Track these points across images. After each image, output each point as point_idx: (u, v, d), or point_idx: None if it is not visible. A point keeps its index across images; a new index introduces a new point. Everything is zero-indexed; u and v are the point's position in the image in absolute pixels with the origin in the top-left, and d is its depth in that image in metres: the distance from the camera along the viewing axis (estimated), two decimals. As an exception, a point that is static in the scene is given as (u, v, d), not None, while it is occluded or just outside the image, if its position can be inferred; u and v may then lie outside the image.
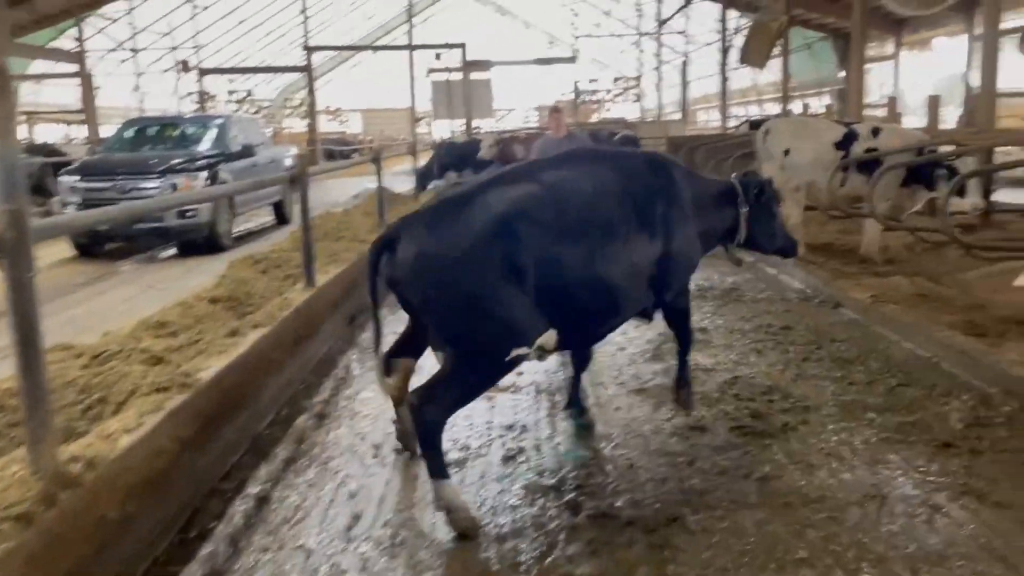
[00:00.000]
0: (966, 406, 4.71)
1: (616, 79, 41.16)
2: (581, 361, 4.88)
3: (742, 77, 40.76)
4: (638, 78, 36.56)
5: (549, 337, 3.65)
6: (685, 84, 30.67)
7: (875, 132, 8.57)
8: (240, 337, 5.02)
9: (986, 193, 9.24)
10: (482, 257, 3.43)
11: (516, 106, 59.06)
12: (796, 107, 36.37)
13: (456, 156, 17.21)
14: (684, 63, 31.17)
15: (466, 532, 3.49)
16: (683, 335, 4.65)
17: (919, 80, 28.93)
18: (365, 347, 6.57)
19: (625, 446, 4.39)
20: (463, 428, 4.72)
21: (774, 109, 37.86)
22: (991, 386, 4.91)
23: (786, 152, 8.71)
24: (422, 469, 3.98)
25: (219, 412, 4.22)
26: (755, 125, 19.49)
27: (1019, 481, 3.77)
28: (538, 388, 5.43)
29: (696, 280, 8.44)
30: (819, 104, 33.82)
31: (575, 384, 4.93)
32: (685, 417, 4.73)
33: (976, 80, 23.99)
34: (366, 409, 5.12)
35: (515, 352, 3.54)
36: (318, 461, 4.34)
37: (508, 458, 4.30)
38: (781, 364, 5.66)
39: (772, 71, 37.13)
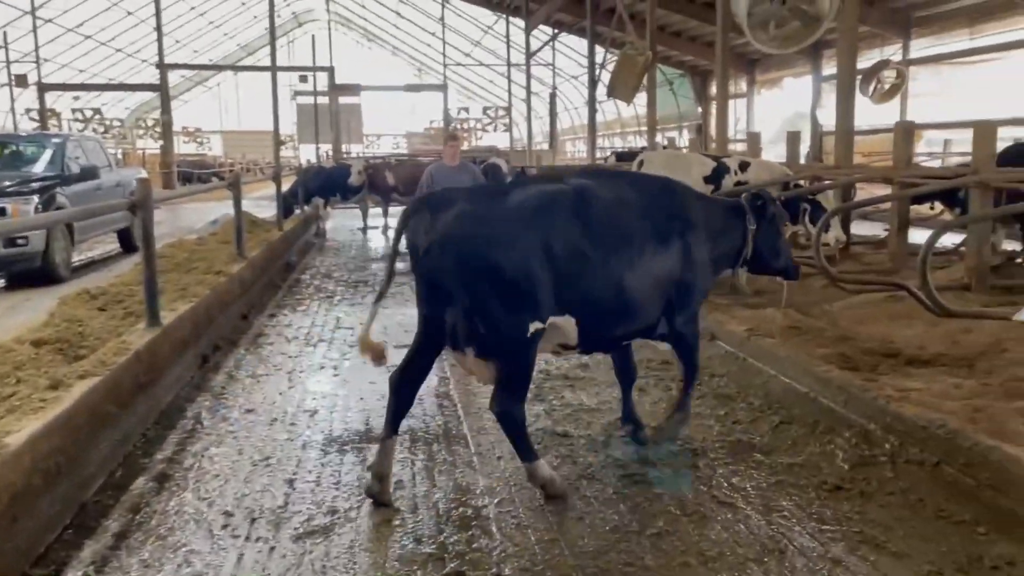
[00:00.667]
0: (849, 444, 4.65)
1: (486, 109, 41.36)
2: (626, 376, 4.83)
3: (608, 110, 41.96)
4: (508, 108, 36.80)
5: (568, 323, 3.95)
6: (554, 115, 31.08)
7: (743, 166, 8.71)
8: (64, 390, 4.31)
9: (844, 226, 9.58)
10: (520, 226, 3.75)
11: (385, 132, 58.63)
12: (659, 140, 37.70)
13: (323, 182, 16.54)
14: (552, 95, 31.61)
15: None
16: (689, 366, 4.62)
17: (769, 117, 30.58)
18: (218, 392, 5.93)
19: (511, 502, 4.03)
20: (329, 487, 4.23)
21: (638, 142, 39.15)
22: (870, 422, 4.88)
23: (659, 184, 8.70)
24: (282, 542, 3.48)
25: (32, 484, 3.55)
26: (621, 157, 19.87)
27: (911, 527, 3.67)
28: (413, 435, 5.00)
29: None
30: (679, 138, 35.14)
31: (627, 400, 4.86)
32: (572, 465, 4.43)
33: (822, 118, 25.58)
34: (216, 467, 4.52)
35: (532, 327, 3.75)
36: (156, 535, 3.73)
37: (381, 522, 3.84)
38: (665, 401, 5.47)
39: (634, 105, 38.48)
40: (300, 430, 5.12)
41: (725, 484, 4.17)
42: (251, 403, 5.69)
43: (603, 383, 5.96)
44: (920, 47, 21.30)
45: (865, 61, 23.39)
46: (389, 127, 60.33)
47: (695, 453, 4.58)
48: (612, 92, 16.39)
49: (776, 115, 31.21)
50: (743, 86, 31.20)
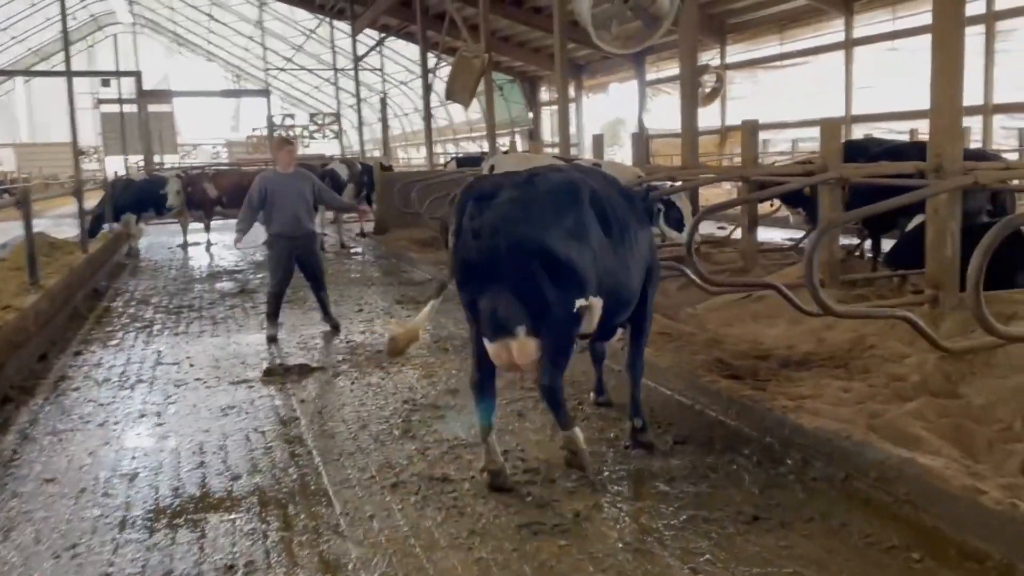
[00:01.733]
0: (752, 463, 4.33)
1: (313, 115, 39.73)
2: (597, 354, 5.38)
3: (439, 116, 41.49)
4: (337, 115, 35.45)
5: (598, 304, 4.15)
6: (385, 122, 30.16)
7: (596, 167, 8.39)
8: None
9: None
10: (572, 205, 4.04)
11: (203, 141, 55.21)
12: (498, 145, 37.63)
13: (135, 196, 14.88)
14: (383, 100, 30.69)
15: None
16: (639, 364, 4.75)
17: (592, 121, 31.32)
18: (8, 458, 4.81)
19: (390, 564, 3.35)
20: (159, 580, 3.36)
21: (472, 147, 38.94)
22: (766, 435, 4.60)
23: (513, 189, 8.23)
24: None
25: None
26: (462, 162, 19.39)
27: (844, 560, 3.32)
28: (262, 496, 4.18)
29: (436, 332, 7.63)
30: (510, 143, 35.24)
31: (599, 374, 5.44)
32: (459, 518, 3.79)
33: (648, 122, 26.35)
34: (4, 563, 3.52)
35: (579, 303, 4.00)
36: None
37: (230, 626, 3.04)
38: (548, 428, 4.95)
39: (463, 111, 38.27)
40: (117, 502, 4.16)
41: (634, 525, 3.68)
42: (52, 470, 4.63)
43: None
44: (735, 52, 22.35)
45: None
46: (207, 136, 57.00)
47: (594, 488, 4.08)
48: (450, 96, 15.87)
49: (600, 119, 32.03)
50: (571, 91, 31.65)
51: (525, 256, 3.87)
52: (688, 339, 6.62)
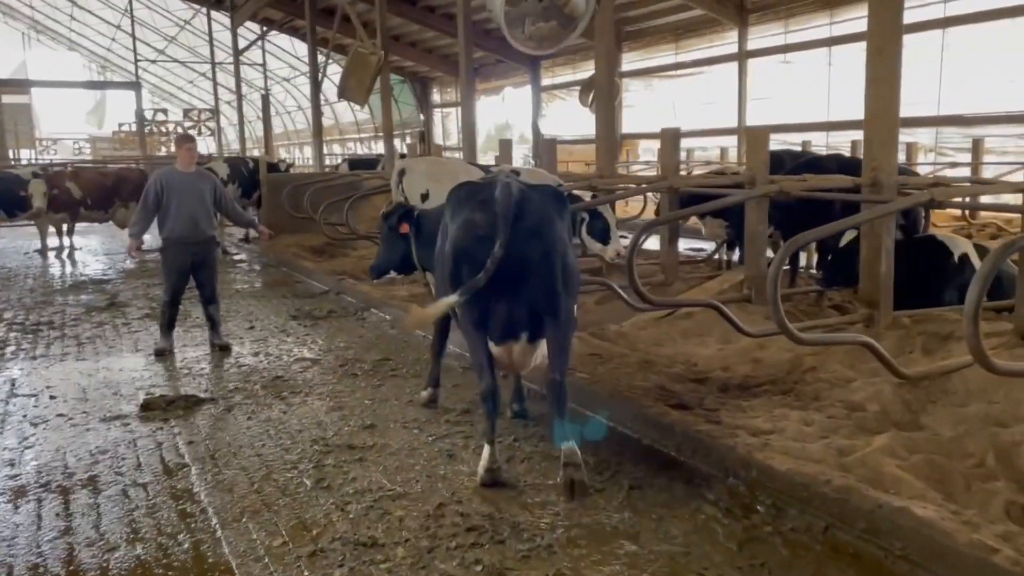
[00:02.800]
0: (721, 510, 3.87)
1: (187, 111, 37.55)
2: None
3: (325, 115, 40.06)
4: (215, 111, 33.53)
5: None
6: (268, 119, 28.66)
7: (514, 174, 7.85)
8: None
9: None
10: (566, 212, 4.50)
11: (64, 136, 51.51)
12: (381, 147, 36.67)
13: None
14: (265, 97, 29.15)
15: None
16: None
17: (483, 124, 30.90)
18: None
19: None
20: None
21: (359, 148, 37.79)
22: (730, 477, 4.16)
23: (424, 195, 7.58)
24: None
25: None
26: (354, 165, 18.50)
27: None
28: (146, 572, 3.39)
29: (341, 354, 6.88)
30: (401, 145, 34.37)
31: (518, 382, 5.34)
32: (397, 599, 3.15)
33: (543, 127, 26.14)
34: None
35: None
36: None
37: None
38: (467, 472, 4.35)
39: (353, 111, 37.06)
40: (-46, 592, 3.28)
41: (605, 599, 3.15)
42: None
43: (401, 450, 4.71)
44: (631, 60, 22.38)
45: (581, 72, 24.25)
46: (69, 131, 53.24)
47: (550, 550, 3.51)
48: (343, 94, 15.01)
49: (489, 123, 31.67)
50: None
51: (554, 261, 4.15)
52: (619, 360, 6.18)
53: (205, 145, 43.08)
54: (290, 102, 43.23)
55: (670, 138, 8.15)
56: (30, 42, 52.18)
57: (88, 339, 7.90)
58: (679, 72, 20.60)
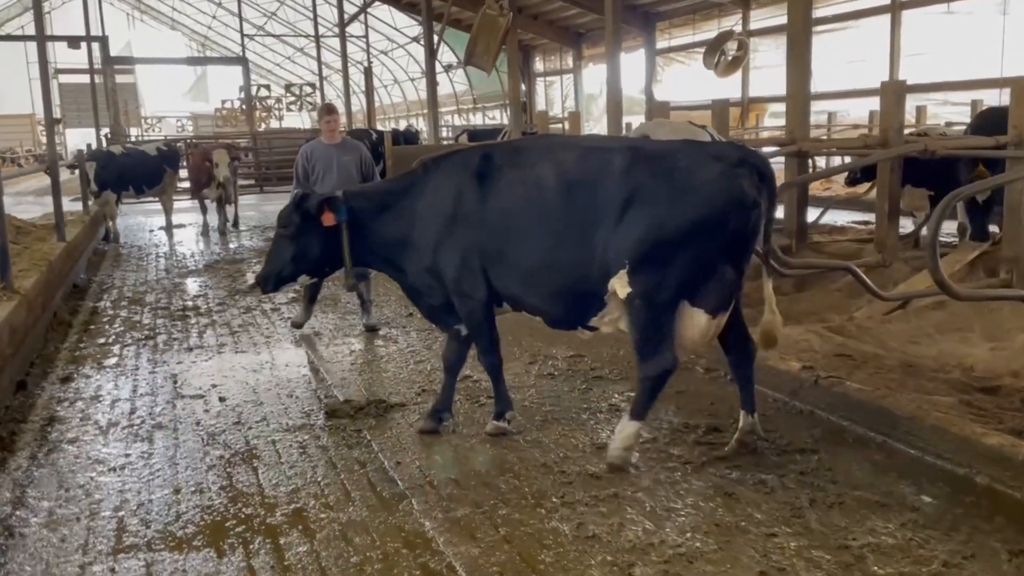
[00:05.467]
0: None
1: (289, 86, 37.55)
2: None
3: (420, 88, 39.47)
4: (318, 86, 33.22)
5: None
6: (371, 92, 28.15)
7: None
8: None
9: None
10: None
11: (168, 114, 52.64)
12: (478, 119, 35.91)
13: (116, 171, 12.91)
14: (368, 70, 28.62)
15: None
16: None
17: (597, 92, 29.63)
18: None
19: None
20: None
21: (457, 120, 37.01)
22: None
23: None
24: None
25: None
26: (475, 136, 17.68)
27: None
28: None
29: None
30: (501, 116, 33.46)
31: None
32: None
33: (658, 93, 24.75)
34: None
35: None
36: None
37: None
38: (767, 523, 3.39)
39: (452, 82, 36.28)
40: None
41: None
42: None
43: (657, 484, 3.78)
44: (760, 17, 20.76)
45: (702, 33, 22.75)
46: (171, 109, 54.42)
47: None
48: (470, 60, 14.13)
49: (597, 90, 30.28)
50: (569, 61, 30.01)
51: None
52: (876, 362, 5.11)
53: (301, 120, 43.25)
54: (386, 76, 42.84)
55: (894, 93, 6.92)
56: (133, 22, 53.47)
57: (240, 327, 7.28)
58: (819, 28, 18.87)
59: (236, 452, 4.41)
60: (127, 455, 4.42)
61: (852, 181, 9.11)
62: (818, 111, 19.66)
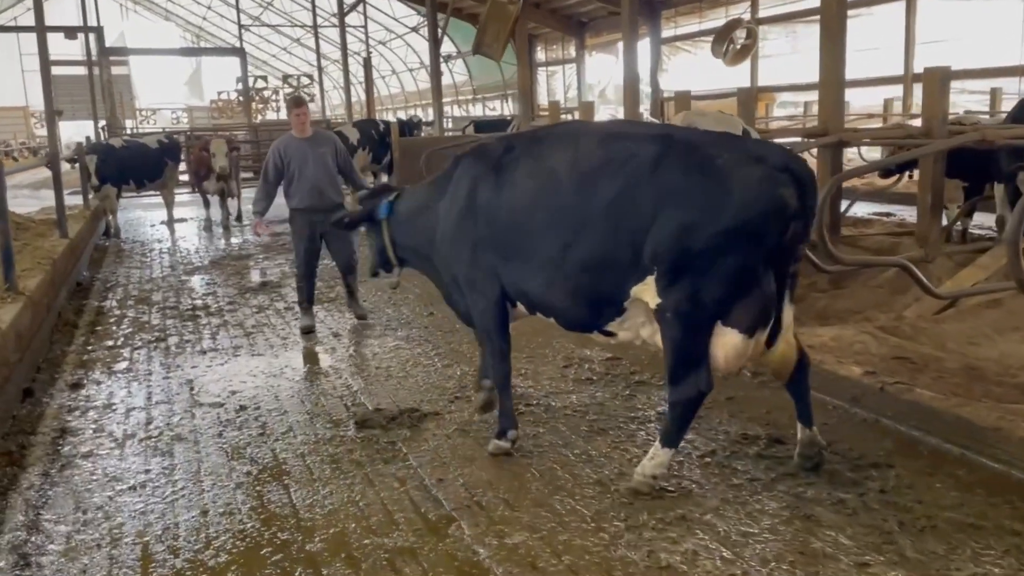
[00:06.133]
0: None
1: (287, 77, 37.11)
2: None
3: (420, 79, 39.07)
4: (317, 77, 32.76)
5: None
6: (371, 82, 27.73)
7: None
8: None
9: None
10: None
11: (163, 105, 52.15)
12: (478, 110, 35.52)
13: (116, 164, 12.55)
14: (367, 60, 28.20)
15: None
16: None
17: (602, 81, 29.30)
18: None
19: None
20: None
21: (456, 111, 36.59)
22: None
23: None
24: None
25: None
26: (481, 127, 17.37)
27: None
28: None
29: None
30: (502, 107, 33.07)
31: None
32: None
33: (663, 82, 24.40)
34: None
35: None
36: None
37: None
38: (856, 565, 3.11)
39: (451, 72, 35.85)
40: None
41: None
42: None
43: (723, 506, 3.49)
44: (769, 4, 20.43)
45: (708, 22, 22.42)
46: (166, 101, 53.96)
47: None
48: (479, 48, 13.79)
49: (608, 81, 29.90)
50: (572, 51, 29.62)
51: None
52: (937, 366, 4.83)
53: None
54: (384, 66, 42.41)
55: (939, 80, 6.62)
56: (127, 13, 52.87)
57: (254, 328, 6.97)
58: (829, 16, 18.56)
59: (264, 467, 4.11)
60: (147, 471, 4.13)
61: (887, 173, 8.81)
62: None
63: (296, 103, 6.78)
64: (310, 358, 6.05)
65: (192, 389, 5.38)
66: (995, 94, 14.21)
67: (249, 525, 3.52)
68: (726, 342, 3.42)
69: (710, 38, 20.85)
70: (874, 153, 14.44)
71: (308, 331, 6.64)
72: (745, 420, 4.42)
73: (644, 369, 5.35)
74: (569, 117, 22.90)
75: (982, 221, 9.19)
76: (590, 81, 29.70)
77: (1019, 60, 14.74)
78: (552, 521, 3.43)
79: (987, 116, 12.47)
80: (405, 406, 4.83)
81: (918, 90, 16.91)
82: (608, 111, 27.15)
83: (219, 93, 44.51)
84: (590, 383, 5.18)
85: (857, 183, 12.12)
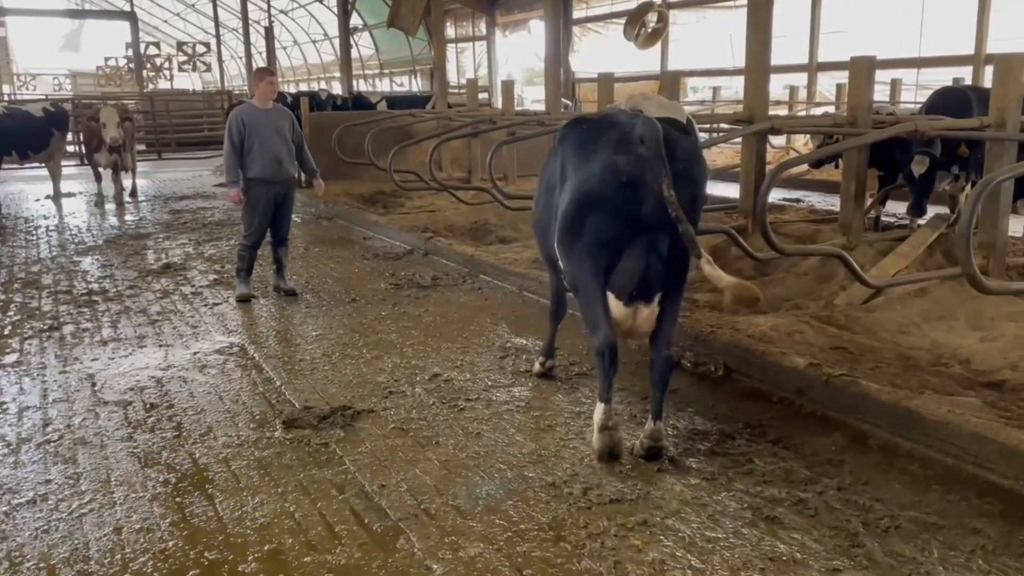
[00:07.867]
0: None
1: (181, 44, 35.23)
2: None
3: (324, 51, 37.82)
4: (208, 44, 31.20)
5: None
6: (272, 52, 26.60)
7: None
8: None
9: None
10: None
11: (44, 71, 48.96)
12: (385, 85, 34.67)
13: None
14: (268, 29, 27.02)
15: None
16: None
17: (515, 62, 28.99)
18: None
19: None
20: None
21: (363, 85, 35.62)
22: None
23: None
24: None
25: None
26: (394, 103, 16.86)
27: None
28: None
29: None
30: (410, 83, 32.35)
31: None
32: None
33: (575, 65, 24.35)
34: None
35: None
36: None
37: None
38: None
39: (358, 46, 34.81)
40: None
41: None
42: None
43: (692, 510, 3.36)
44: (680, -11, 20.57)
45: (621, 4, 22.43)
46: (46, 66, 50.62)
47: None
48: (394, 22, 13.32)
49: (518, 61, 29.59)
50: (482, 27, 29.20)
51: (698, 210, 3.74)
52: (874, 356, 4.85)
53: (191, 81, 40.75)
54: (285, 37, 40.88)
55: (864, 69, 6.69)
56: (2, -30, 49.12)
57: (160, 315, 6.45)
58: (738, 3, 18.85)
59: (183, 475, 3.73)
60: (47, 481, 3.68)
61: (817, 163, 8.93)
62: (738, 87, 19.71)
63: (268, 72, 6.94)
64: (226, 349, 5.61)
65: (94, 385, 4.90)
66: (895, 84, 14.70)
67: (171, 543, 3.16)
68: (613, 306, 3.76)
69: (621, 20, 20.92)
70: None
71: (246, 299, 6.73)
72: (692, 415, 4.31)
73: (583, 360, 5.18)
74: (486, 96, 22.65)
75: (892, 209, 9.45)
76: (500, 59, 29.36)
77: (917, 52, 15.34)
78: (508, 530, 3.21)
79: (889, 105, 12.86)
80: (336, 403, 4.51)
81: (822, 78, 17.61)
82: (516, 91, 26.96)
83: (106, 59, 41.87)
84: (529, 374, 4.98)
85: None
